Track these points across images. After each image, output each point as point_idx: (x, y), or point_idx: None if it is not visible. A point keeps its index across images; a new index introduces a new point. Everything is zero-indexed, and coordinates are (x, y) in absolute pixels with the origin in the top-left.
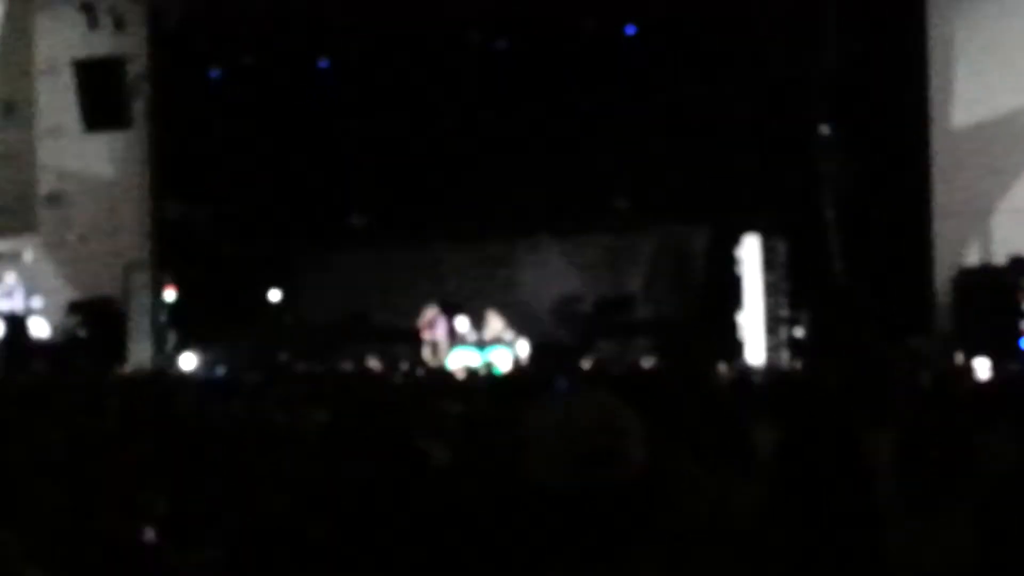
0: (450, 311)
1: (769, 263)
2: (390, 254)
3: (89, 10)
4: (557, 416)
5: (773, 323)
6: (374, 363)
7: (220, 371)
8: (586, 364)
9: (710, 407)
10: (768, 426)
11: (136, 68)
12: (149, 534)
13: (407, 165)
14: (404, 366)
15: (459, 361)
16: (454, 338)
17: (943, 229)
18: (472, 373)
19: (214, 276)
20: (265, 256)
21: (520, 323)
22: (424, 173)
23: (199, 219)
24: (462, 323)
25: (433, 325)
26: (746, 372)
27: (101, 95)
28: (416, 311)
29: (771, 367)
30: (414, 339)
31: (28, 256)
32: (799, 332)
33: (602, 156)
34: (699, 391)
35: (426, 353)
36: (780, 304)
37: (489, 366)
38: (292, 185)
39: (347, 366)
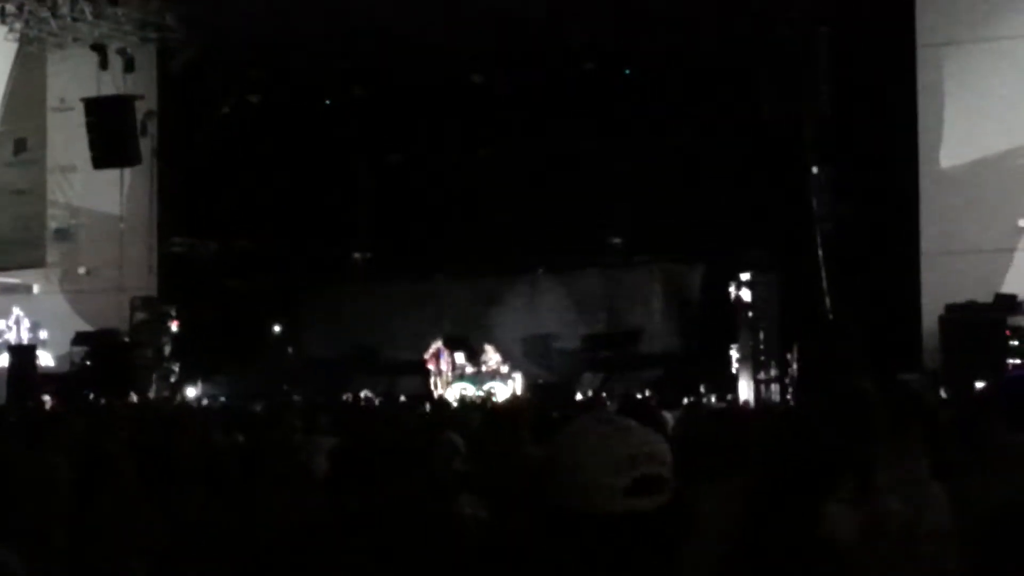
0: (453, 345)
1: (761, 300)
2: (391, 289)
3: (100, 50)
4: (593, 444)
5: (764, 358)
6: (372, 395)
7: (224, 402)
8: (580, 397)
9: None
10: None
11: (145, 106)
12: (150, 564)
13: (408, 202)
14: (402, 398)
15: (457, 393)
16: (455, 371)
17: (931, 267)
18: (469, 405)
19: (218, 310)
20: (268, 290)
21: (517, 357)
22: (425, 211)
23: (204, 254)
24: (460, 357)
25: (438, 358)
26: (736, 407)
27: (110, 133)
28: (416, 344)
29: (759, 402)
30: (417, 371)
31: (37, 289)
32: (789, 367)
33: (597, 195)
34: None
35: (433, 384)
36: (771, 340)
37: (483, 399)
38: (295, 221)
39: (348, 397)
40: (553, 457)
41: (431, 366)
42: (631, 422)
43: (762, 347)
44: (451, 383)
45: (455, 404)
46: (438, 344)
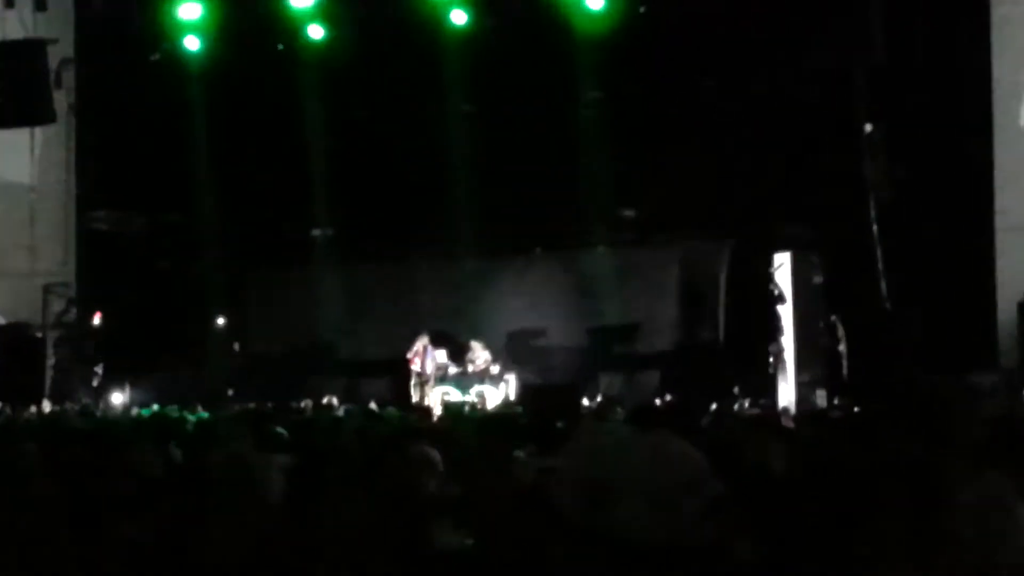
0: (440, 341)
1: (803, 285)
2: (356, 273)
3: None
4: (637, 463)
5: (807, 356)
6: (335, 402)
7: (156, 410)
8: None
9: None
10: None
11: (60, 53)
12: None
13: (378, 167)
14: (372, 404)
15: (439, 398)
16: (436, 372)
17: (1007, 245)
18: (454, 413)
19: (149, 298)
20: (208, 275)
21: (510, 355)
22: (397, 177)
23: (130, 231)
24: (441, 355)
25: (422, 356)
26: (773, 414)
27: (18, 84)
28: (387, 340)
29: (804, 408)
30: (387, 371)
31: None
32: (838, 367)
33: (606, 158)
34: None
35: (415, 388)
36: (816, 334)
37: (472, 405)
38: (240, 191)
39: (307, 405)
40: (593, 478)
41: (414, 366)
42: (669, 437)
43: (805, 342)
44: (432, 386)
45: (438, 412)
46: (424, 340)
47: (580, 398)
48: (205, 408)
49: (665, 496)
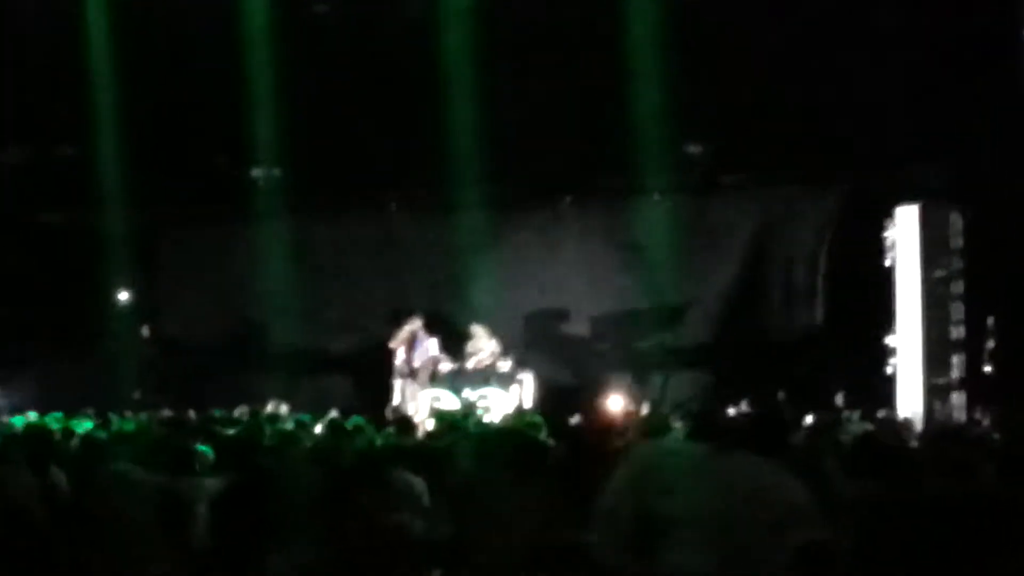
0: (430, 327)
1: (936, 250)
2: (314, 230)
3: None
4: (705, 495)
5: (940, 350)
6: (283, 409)
7: (32, 419)
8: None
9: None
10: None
11: None
12: None
13: (345, 82)
14: (334, 413)
15: (427, 406)
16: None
17: None
18: (448, 426)
19: (25, 263)
20: (108, 231)
21: (526, 345)
22: (373, 96)
23: (4, 168)
24: (433, 346)
25: (410, 346)
26: (893, 429)
27: None
28: (357, 323)
29: (935, 422)
30: (355, 366)
31: None
32: (982, 365)
33: (663, 75)
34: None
35: (399, 391)
36: (952, 319)
37: (472, 415)
38: (156, 115)
39: (242, 411)
40: (642, 515)
41: (398, 359)
42: (760, 460)
43: (938, 330)
44: (420, 388)
45: (425, 426)
46: (415, 324)
47: (619, 403)
48: (100, 417)
49: (744, 539)
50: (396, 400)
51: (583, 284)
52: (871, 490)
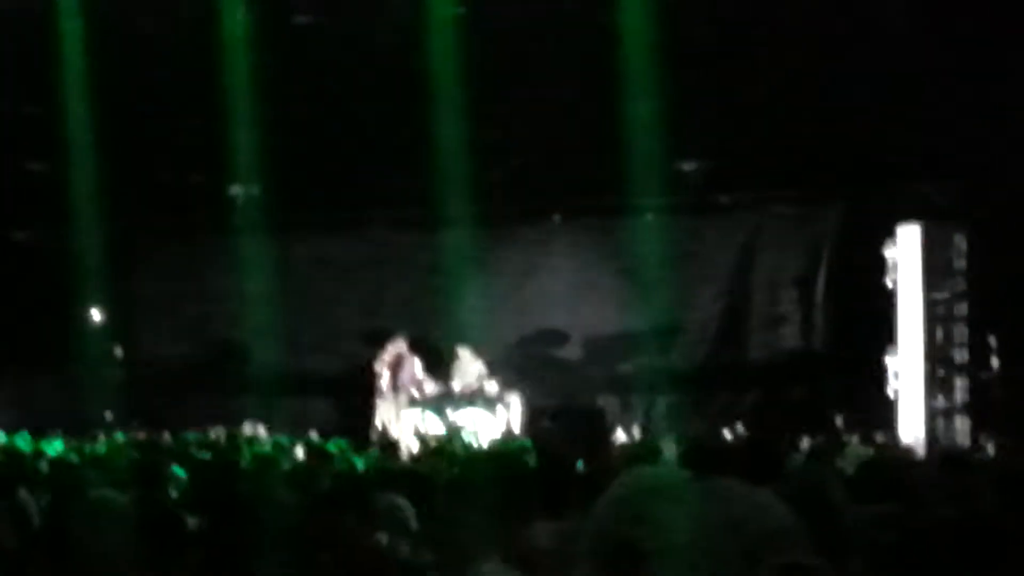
0: (414, 348)
1: (938, 269)
2: (294, 248)
3: None
4: (691, 522)
5: (943, 371)
6: (260, 431)
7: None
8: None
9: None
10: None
11: None
12: None
13: (327, 96)
14: (313, 434)
15: (411, 428)
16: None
17: None
18: (432, 450)
19: None
20: (83, 247)
21: (513, 368)
22: (356, 109)
23: None
24: (417, 368)
25: (395, 368)
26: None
27: None
28: (337, 344)
29: (938, 446)
30: (338, 390)
31: None
32: (987, 388)
33: (657, 89)
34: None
35: (382, 413)
36: (955, 341)
37: (458, 438)
38: (132, 131)
39: (218, 433)
40: (623, 542)
41: (383, 380)
42: (750, 488)
43: (940, 351)
44: (403, 410)
45: (409, 449)
46: (400, 346)
47: (610, 429)
48: (71, 438)
49: (718, 569)
50: (379, 422)
51: (572, 305)
52: (877, 516)
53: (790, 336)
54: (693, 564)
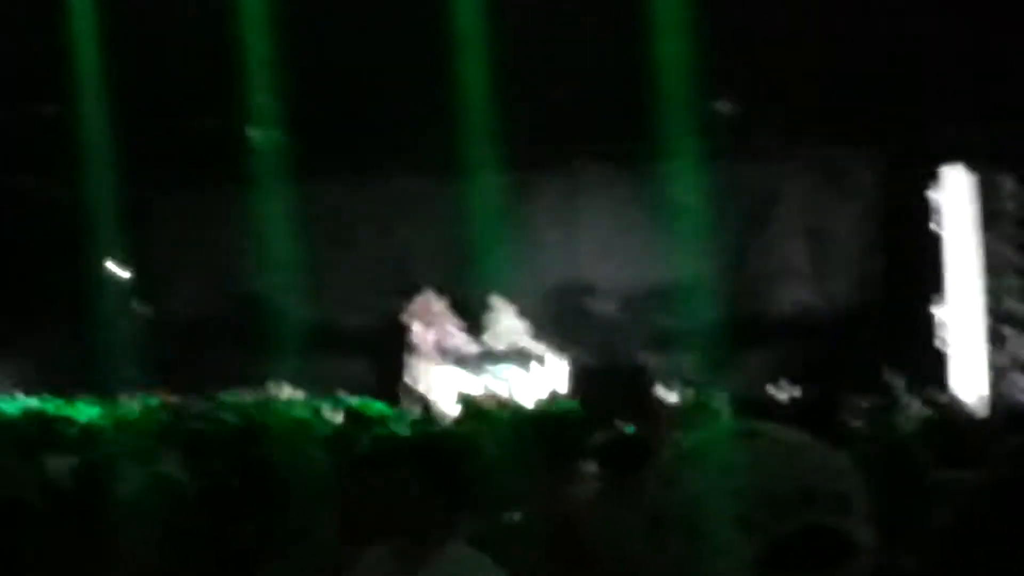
0: (450, 300)
1: (990, 216)
2: (317, 196)
3: None
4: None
5: (1001, 324)
6: (286, 391)
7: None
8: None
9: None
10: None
11: None
12: None
13: (348, 39)
14: (342, 394)
15: (447, 387)
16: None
17: None
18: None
19: (6, 232)
20: (99, 197)
21: (547, 320)
22: (378, 52)
23: None
24: (452, 323)
25: (426, 321)
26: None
27: None
28: (365, 297)
29: (1002, 405)
30: (368, 346)
31: None
32: None
33: (690, 24)
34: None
35: (414, 369)
36: (1010, 288)
37: (497, 398)
38: (149, 72)
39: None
40: (654, 503)
41: (417, 336)
42: (797, 434)
43: (998, 302)
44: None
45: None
46: (429, 299)
47: (652, 387)
48: (94, 396)
49: (734, 530)
50: (410, 380)
51: (610, 254)
52: (962, 476)
53: (836, 286)
54: (715, 525)
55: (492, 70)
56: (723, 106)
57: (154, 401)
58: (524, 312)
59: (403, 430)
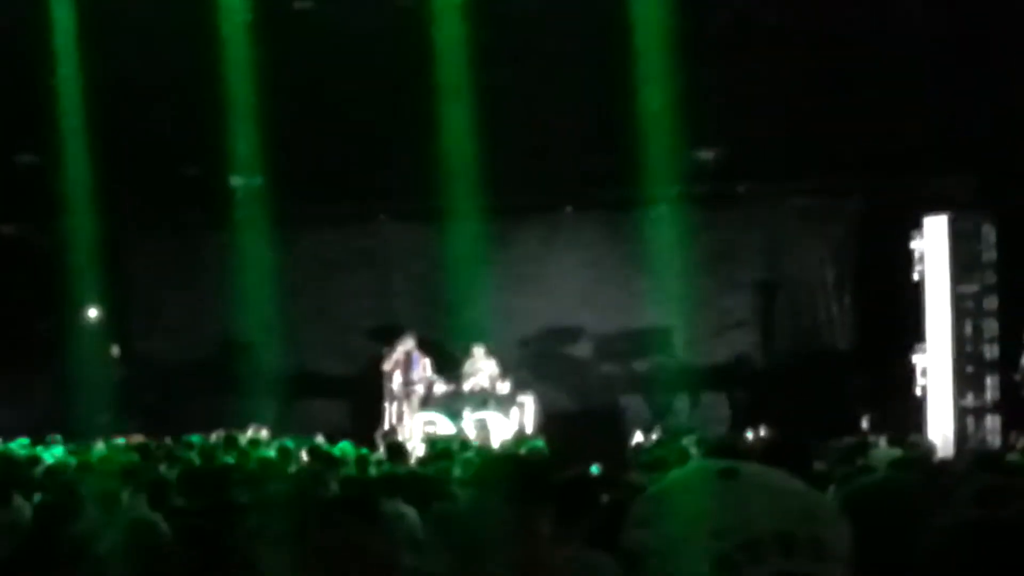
0: (423, 347)
1: (966, 261)
2: (299, 242)
3: None
4: (692, 508)
5: (973, 368)
6: (263, 434)
7: None
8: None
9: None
10: None
11: None
12: None
13: (332, 85)
14: (320, 438)
15: (419, 432)
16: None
17: None
18: (441, 452)
19: None
20: (77, 243)
21: (524, 364)
22: (361, 99)
23: None
24: (426, 365)
25: (405, 367)
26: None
27: None
28: (344, 342)
29: (968, 446)
30: (345, 391)
31: None
32: (1017, 386)
33: (671, 76)
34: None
35: (391, 414)
36: (985, 335)
37: (469, 442)
38: (128, 119)
39: (218, 435)
40: (633, 544)
41: (393, 382)
42: (777, 474)
43: (969, 347)
44: (412, 412)
45: (416, 452)
46: (408, 344)
47: (629, 431)
48: (69, 440)
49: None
50: (387, 424)
51: (588, 300)
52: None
53: (813, 333)
54: (693, 565)
55: (474, 119)
56: (704, 154)
57: (121, 442)
58: (503, 355)
59: (371, 470)
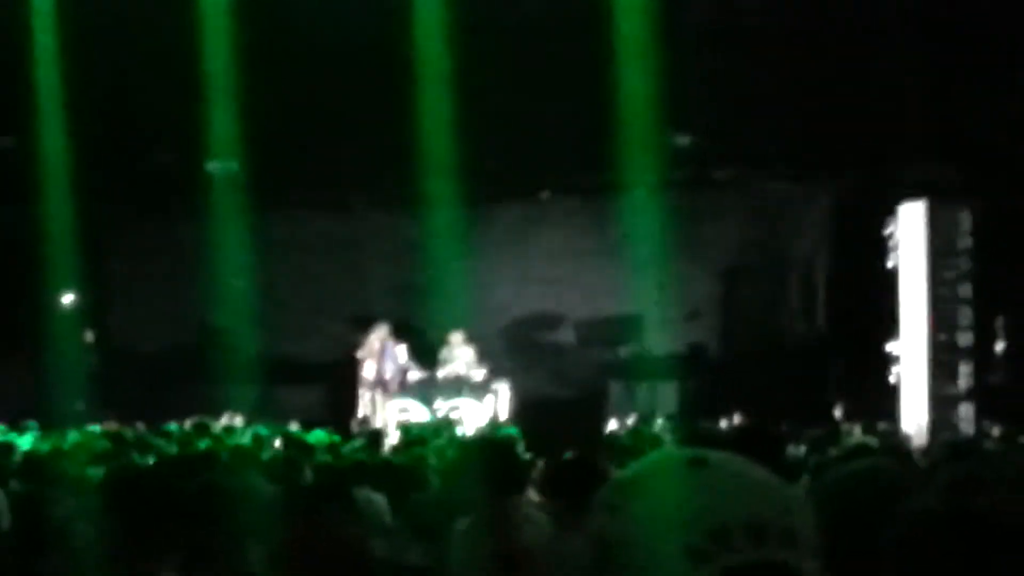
0: (399, 333)
1: (942, 248)
2: (274, 229)
3: None
4: (668, 497)
5: (947, 357)
6: (238, 421)
7: None
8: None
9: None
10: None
11: None
12: None
13: (308, 69)
14: (295, 425)
15: (393, 420)
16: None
17: None
18: (415, 439)
19: None
20: (53, 229)
21: (502, 353)
22: (337, 84)
23: None
24: (402, 354)
25: (379, 356)
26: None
27: None
28: (319, 329)
29: (943, 435)
30: (319, 378)
31: None
32: (992, 374)
33: (651, 62)
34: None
35: (366, 402)
36: (959, 322)
37: (443, 428)
38: (104, 103)
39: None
40: (600, 530)
41: (368, 369)
42: (747, 464)
43: (943, 336)
44: (387, 399)
45: (390, 440)
46: (382, 333)
47: (605, 417)
48: (45, 428)
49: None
50: (362, 412)
51: (565, 286)
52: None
53: (787, 320)
54: (663, 554)
55: (452, 105)
56: (681, 139)
57: (95, 429)
58: (481, 341)
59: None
